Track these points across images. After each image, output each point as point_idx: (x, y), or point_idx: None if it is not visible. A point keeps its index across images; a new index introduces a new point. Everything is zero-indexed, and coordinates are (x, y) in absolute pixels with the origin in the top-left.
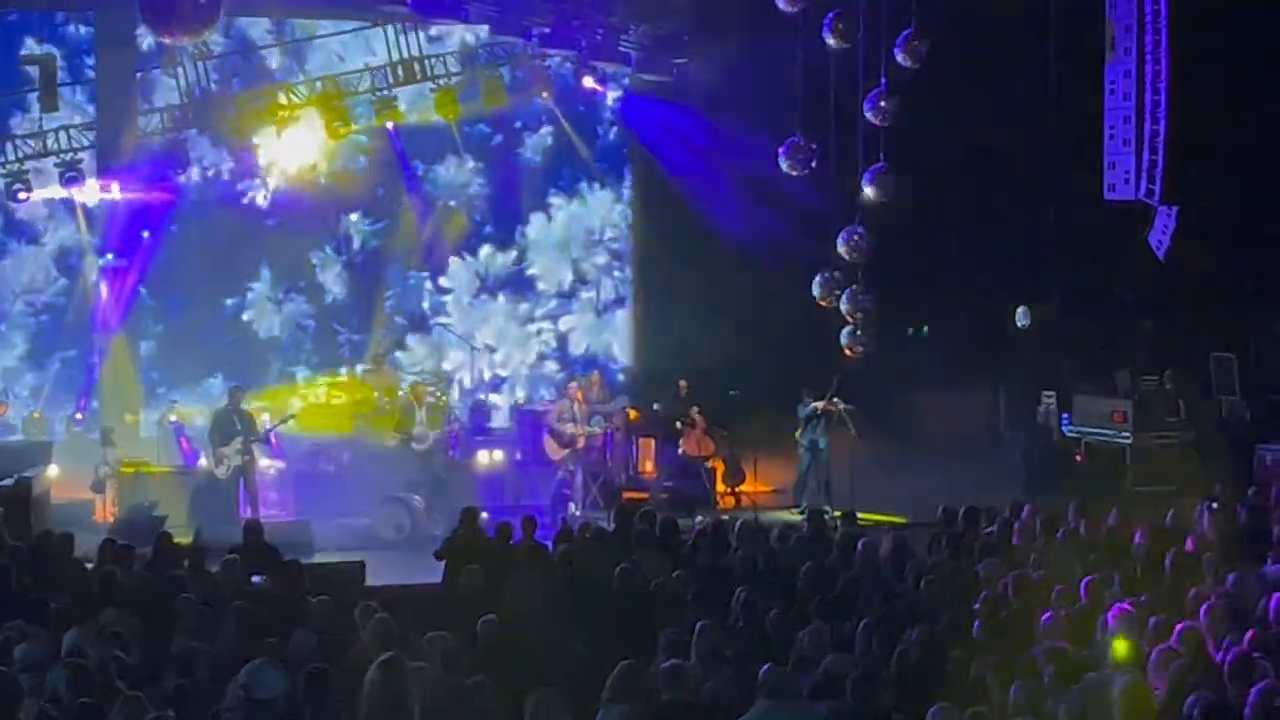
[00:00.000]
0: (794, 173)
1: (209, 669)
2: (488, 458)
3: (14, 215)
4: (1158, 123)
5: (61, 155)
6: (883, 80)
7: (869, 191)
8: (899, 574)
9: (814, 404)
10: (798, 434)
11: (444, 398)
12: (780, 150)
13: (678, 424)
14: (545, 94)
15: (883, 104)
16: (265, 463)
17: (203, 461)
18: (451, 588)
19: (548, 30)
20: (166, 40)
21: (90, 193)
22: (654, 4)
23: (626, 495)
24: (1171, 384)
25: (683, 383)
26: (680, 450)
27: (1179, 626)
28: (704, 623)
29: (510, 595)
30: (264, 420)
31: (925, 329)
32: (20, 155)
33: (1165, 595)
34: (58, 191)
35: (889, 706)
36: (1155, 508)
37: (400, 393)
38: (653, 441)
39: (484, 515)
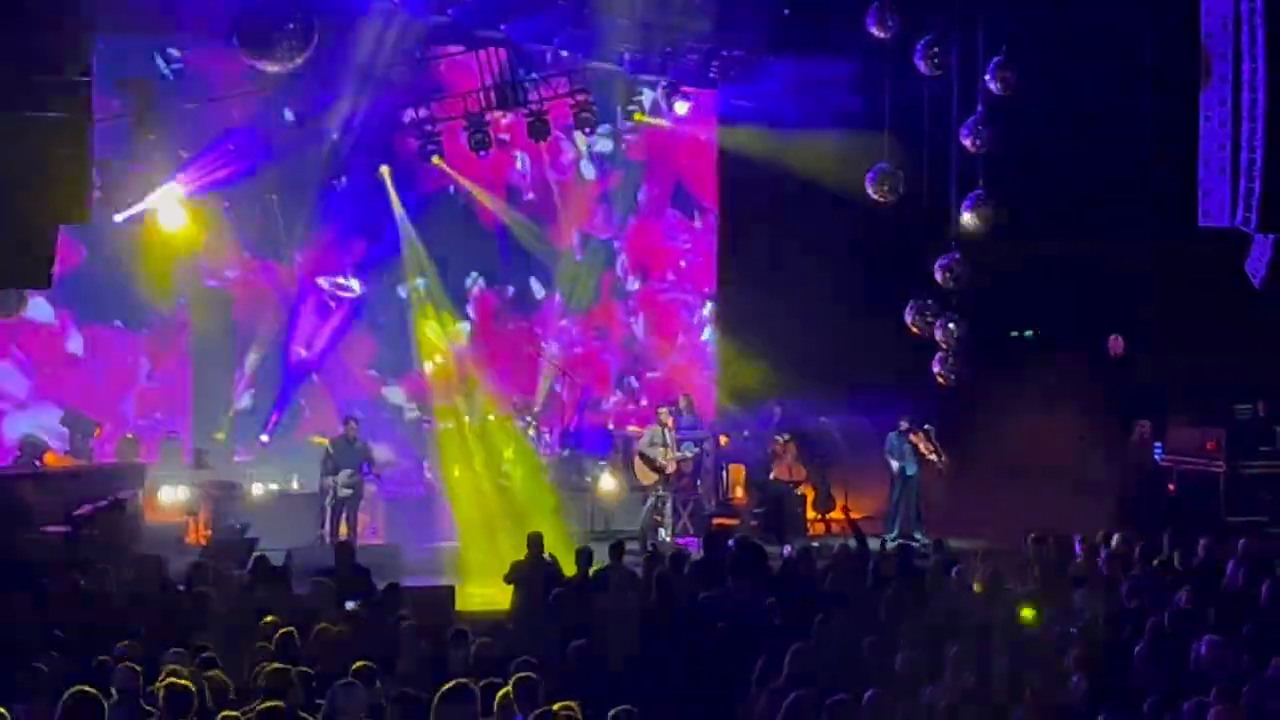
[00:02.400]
0: (881, 200)
1: (299, 691)
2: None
3: None
4: (1254, 151)
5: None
6: (979, 107)
7: (967, 219)
8: (990, 602)
9: (910, 438)
10: (892, 463)
11: (532, 427)
12: (868, 176)
13: (769, 450)
14: (638, 115)
15: (980, 130)
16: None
17: (294, 485)
18: (523, 612)
19: (638, 56)
20: (262, 67)
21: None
22: (742, 28)
23: (716, 521)
24: (1266, 412)
25: (777, 409)
26: (771, 477)
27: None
28: (797, 647)
29: (601, 621)
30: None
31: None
32: (116, 179)
33: (1260, 626)
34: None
35: None
36: (1249, 538)
37: (490, 418)
38: (743, 468)
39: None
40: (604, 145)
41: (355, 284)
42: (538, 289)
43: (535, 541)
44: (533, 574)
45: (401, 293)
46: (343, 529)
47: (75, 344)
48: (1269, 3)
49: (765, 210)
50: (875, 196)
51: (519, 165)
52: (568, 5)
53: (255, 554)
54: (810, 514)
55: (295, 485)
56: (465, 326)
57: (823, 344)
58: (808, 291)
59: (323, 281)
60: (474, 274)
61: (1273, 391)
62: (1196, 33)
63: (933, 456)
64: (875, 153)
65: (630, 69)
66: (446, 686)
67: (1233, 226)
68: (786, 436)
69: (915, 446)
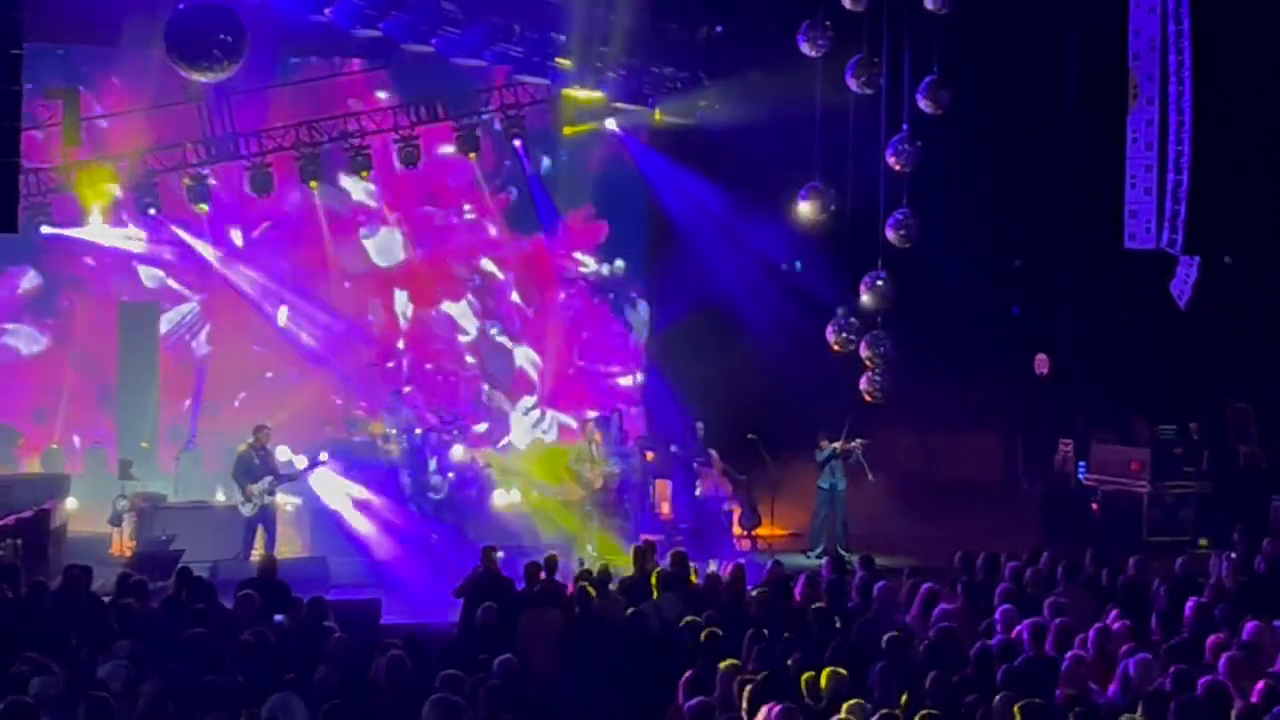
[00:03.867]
0: (813, 216)
1: (227, 703)
2: (505, 497)
3: None
4: (1180, 172)
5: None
6: (904, 125)
7: (891, 237)
8: (919, 619)
9: (832, 445)
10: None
11: (458, 445)
12: (800, 194)
13: (695, 466)
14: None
15: (904, 149)
16: (283, 499)
17: (219, 496)
18: (468, 626)
19: (571, 71)
20: (193, 77)
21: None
22: (676, 47)
23: (643, 537)
24: (1196, 434)
25: (700, 425)
26: (697, 493)
27: (1203, 679)
28: (725, 664)
29: (528, 635)
30: (289, 460)
31: None
32: (44, 189)
33: (1185, 644)
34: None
35: None
36: (1172, 557)
37: (417, 434)
38: (669, 484)
39: (499, 554)
40: None
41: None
42: None
43: (488, 555)
44: (481, 587)
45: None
46: (260, 542)
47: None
48: (1195, 25)
49: (695, 224)
50: (807, 213)
51: None
52: (499, 20)
53: (179, 566)
54: (737, 530)
55: (220, 498)
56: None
57: (753, 360)
58: (737, 308)
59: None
60: None
61: (1196, 413)
62: (1124, 54)
63: (858, 444)
64: (805, 169)
65: (562, 84)
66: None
67: (1158, 249)
68: (713, 452)
69: (847, 454)
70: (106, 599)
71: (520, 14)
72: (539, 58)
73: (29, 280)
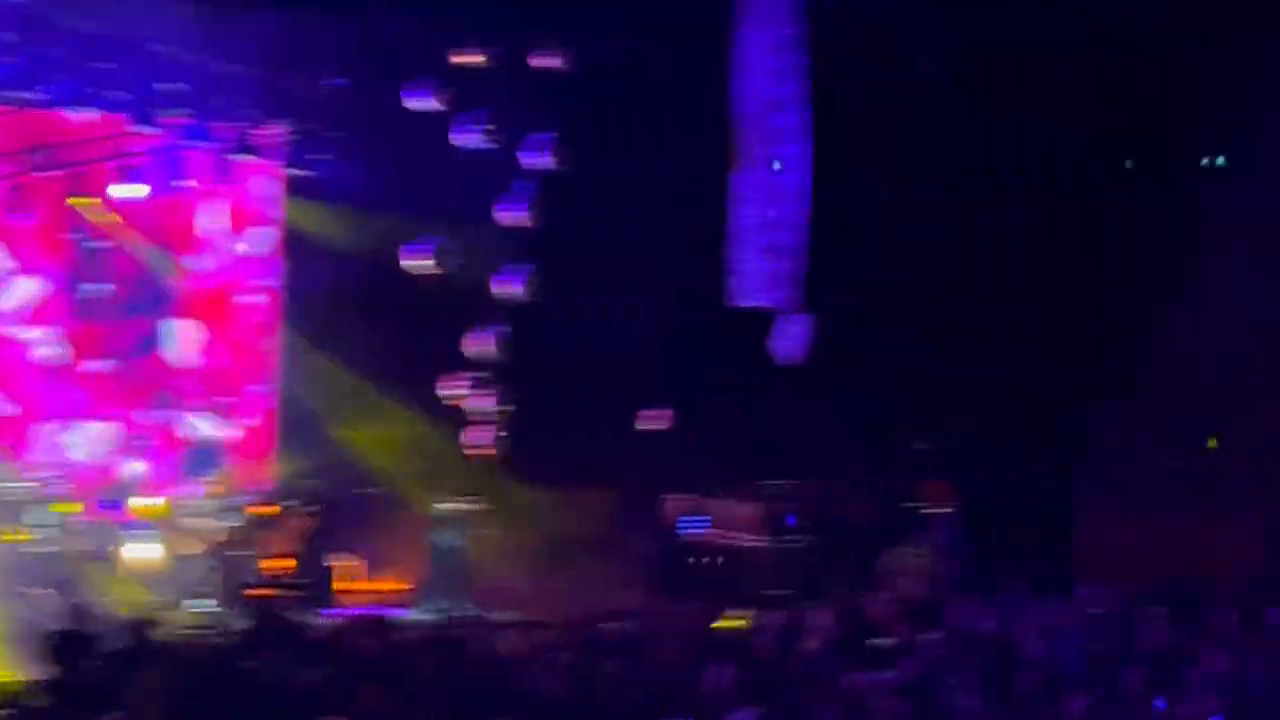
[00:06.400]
0: (429, 274)
1: None
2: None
3: None
4: (789, 231)
5: None
6: (523, 182)
7: (497, 291)
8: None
9: (443, 505)
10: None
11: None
12: (418, 250)
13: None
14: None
15: (519, 205)
16: None
17: None
18: (60, 686)
19: (189, 122)
20: None
21: None
22: (293, 100)
23: (254, 592)
24: (808, 490)
25: (316, 482)
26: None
27: None
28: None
29: (132, 694)
30: None
31: None
32: None
33: (786, 698)
34: None
35: None
36: (779, 609)
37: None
38: (285, 538)
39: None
40: None
41: None
42: None
43: (77, 613)
44: (62, 644)
45: None
46: None
47: None
48: (809, 86)
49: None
50: (422, 270)
51: None
52: (110, 69)
53: None
54: (342, 585)
55: None
56: None
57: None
58: (357, 363)
59: None
60: None
61: (809, 470)
62: (725, 110)
63: (469, 501)
64: (424, 226)
65: (181, 135)
66: None
67: (765, 307)
68: (303, 509)
69: (457, 511)
70: None
71: (134, 63)
72: (152, 108)
73: None
